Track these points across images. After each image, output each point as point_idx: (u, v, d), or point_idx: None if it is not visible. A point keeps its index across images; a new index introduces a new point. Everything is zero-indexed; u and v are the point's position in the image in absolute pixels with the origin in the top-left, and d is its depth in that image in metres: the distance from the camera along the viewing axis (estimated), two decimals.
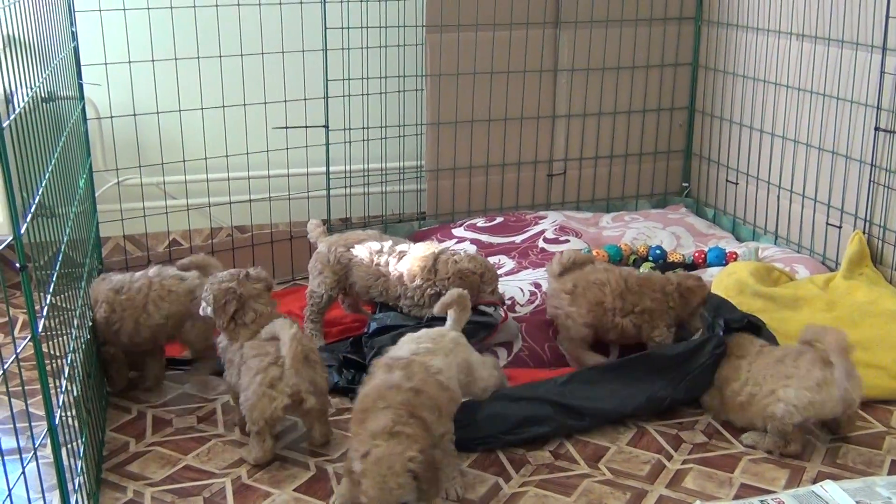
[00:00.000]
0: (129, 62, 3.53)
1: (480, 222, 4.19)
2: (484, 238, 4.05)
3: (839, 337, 2.60)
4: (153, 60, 3.56)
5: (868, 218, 3.57)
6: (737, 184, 4.32)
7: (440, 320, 3.05)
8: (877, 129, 3.48)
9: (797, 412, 2.59)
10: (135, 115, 3.64)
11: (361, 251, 3.29)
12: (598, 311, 3.04)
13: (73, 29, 3.32)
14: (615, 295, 3.03)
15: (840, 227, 3.69)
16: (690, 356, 2.85)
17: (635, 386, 2.83)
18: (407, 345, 2.53)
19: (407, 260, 3.24)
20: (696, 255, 3.84)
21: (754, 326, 2.93)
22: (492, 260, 3.82)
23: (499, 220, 4.20)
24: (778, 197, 4.05)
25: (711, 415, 2.85)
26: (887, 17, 3.38)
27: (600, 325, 3.06)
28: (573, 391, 2.80)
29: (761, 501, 2.38)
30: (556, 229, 4.08)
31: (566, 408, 2.75)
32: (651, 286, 3.06)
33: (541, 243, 3.99)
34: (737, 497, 2.45)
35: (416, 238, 4.12)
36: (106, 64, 3.48)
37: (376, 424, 2.19)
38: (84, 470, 2.23)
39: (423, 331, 2.62)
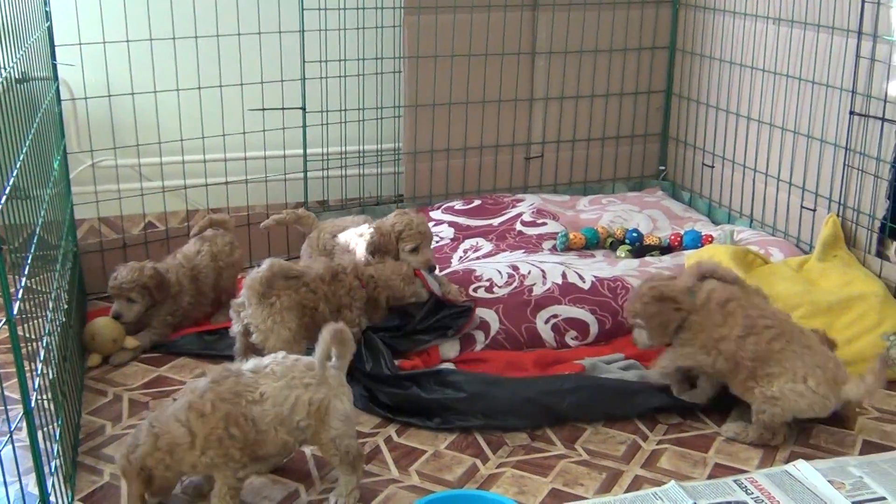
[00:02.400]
0: (104, 43, 3.50)
1: (458, 205, 4.19)
2: (461, 221, 4.06)
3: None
4: (128, 41, 3.53)
5: (842, 201, 3.60)
6: (713, 167, 4.34)
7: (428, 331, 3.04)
8: (851, 112, 3.51)
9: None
10: (110, 96, 3.61)
11: (344, 238, 3.29)
12: None
13: (47, 9, 3.27)
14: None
15: (814, 211, 3.72)
16: None
17: (630, 404, 2.79)
18: (255, 361, 2.33)
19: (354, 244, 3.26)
20: (673, 237, 3.87)
21: None
22: (469, 242, 3.84)
23: (476, 202, 4.21)
24: (753, 180, 4.07)
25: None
26: (863, 1, 3.40)
27: None
28: (574, 405, 2.73)
29: (735, 481, 2.41)
30: (533, 212, 4.09)
31: (556, 415, 2.74)
32: None
33: (518, 226, 4.00)
34: (711, 477, 2.48)
35: None
36: (80, 44, 3.44)
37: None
38: (60, 453, 2.22)
39: (292, 358, 2.32)
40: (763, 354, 2.58)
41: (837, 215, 3.60)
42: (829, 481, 2.40)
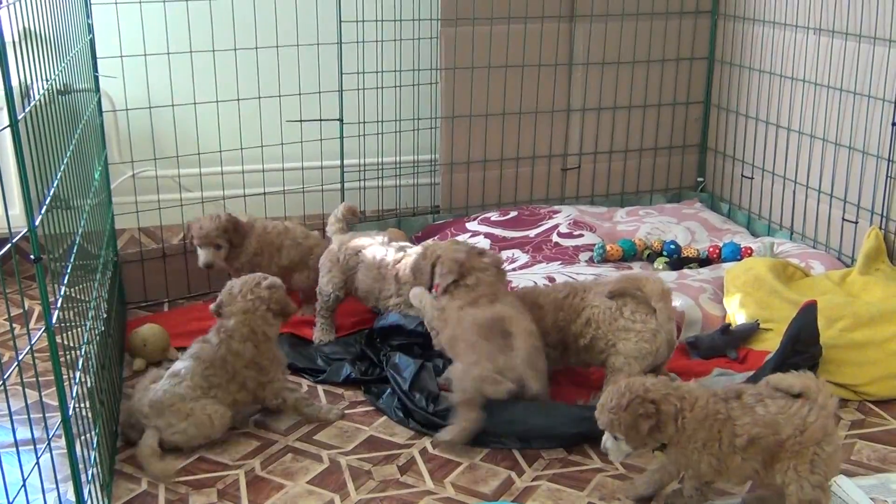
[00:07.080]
0: (145, 55, 3.54)
1: (494, 216, 4.18)
2: (498, 232, 4.05)
3: (658, 283, 2.71)
4: (168, 53, 3.57)
5: (884, 213, 3.54)
6: (752, 178, 4.29)
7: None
8: (893, 124, 3.46)
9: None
10: (150, 107, 3.65)
11: (369, 253, 3.27)
12: None
13: (89, 21, 3.32)
14: None
15: (856, 223, 3.67)
16: None
17: None
18: None
19: (406, 259, 3.19)
20: (711, 250, 3.83)
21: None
22: (505, 254, 3.82)
23: (513, 214, 4.20)
24: (794, 192, 4.03)
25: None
26: None
27: None
28: None
29: None
30: (570, 223, 4.08)
31: (592, 438, 2.66)
32: None
33: (555, 237, 3.98)
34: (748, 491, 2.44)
35: (429, 232, 4.13)
36: (122, 57, 3.49)
37: None
38: (98, 461, 2.24)
39: None
40: None
41: (880, 228, 3.54)
42: (871, 498, 2.35)
